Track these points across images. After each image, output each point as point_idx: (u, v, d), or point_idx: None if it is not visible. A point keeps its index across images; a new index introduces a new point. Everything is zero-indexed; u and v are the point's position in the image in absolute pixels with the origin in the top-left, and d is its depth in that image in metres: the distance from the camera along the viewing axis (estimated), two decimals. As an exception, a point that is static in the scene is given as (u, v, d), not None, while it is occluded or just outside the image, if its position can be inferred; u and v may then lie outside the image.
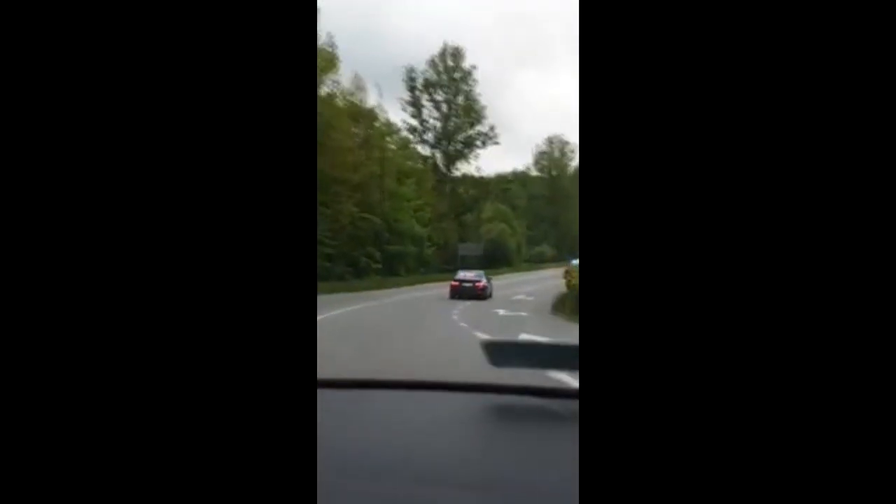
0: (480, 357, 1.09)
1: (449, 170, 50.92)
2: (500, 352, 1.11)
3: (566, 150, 77.39)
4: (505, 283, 31.54)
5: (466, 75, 50.97)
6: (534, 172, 75.81)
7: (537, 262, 54.92)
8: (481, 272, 24.67)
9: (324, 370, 0.80)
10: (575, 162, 78.25)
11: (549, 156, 76.62)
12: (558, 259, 64.49)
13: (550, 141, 76.88)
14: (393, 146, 41.42)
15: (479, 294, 21.77)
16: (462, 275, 23.36)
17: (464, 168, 50.73)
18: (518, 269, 48.74)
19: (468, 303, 21.15)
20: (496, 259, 46.22)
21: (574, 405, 0.86)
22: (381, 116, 39.57)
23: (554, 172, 75.87)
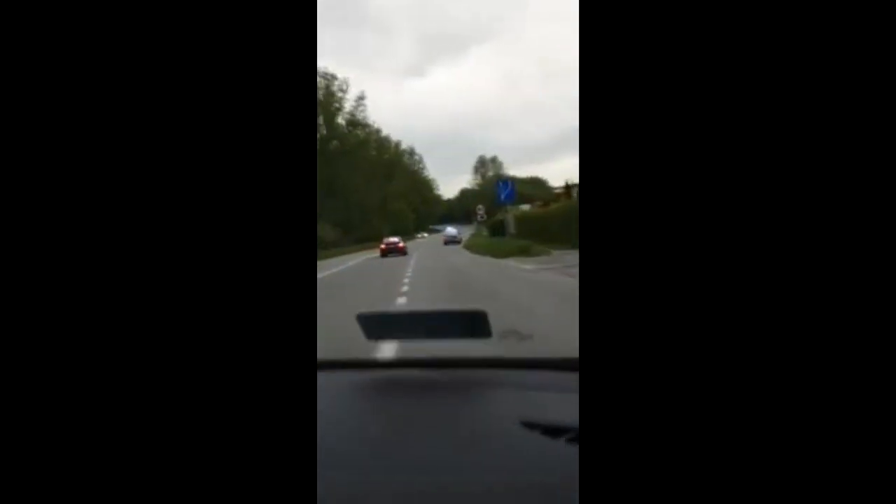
0: None
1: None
2: (376, 324, 1.08)
3: (334, 86, 54.41)
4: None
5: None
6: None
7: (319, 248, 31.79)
8: (399, 238, 32.20)
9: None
10: (349, 103, 56.05)
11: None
12: (344, 244, 42.10)
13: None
14: None
15: (401, 252, 28.28)
16: (387, 241, 30.55)
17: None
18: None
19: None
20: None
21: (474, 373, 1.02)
22: None
23: (321, 119, 52.61)
